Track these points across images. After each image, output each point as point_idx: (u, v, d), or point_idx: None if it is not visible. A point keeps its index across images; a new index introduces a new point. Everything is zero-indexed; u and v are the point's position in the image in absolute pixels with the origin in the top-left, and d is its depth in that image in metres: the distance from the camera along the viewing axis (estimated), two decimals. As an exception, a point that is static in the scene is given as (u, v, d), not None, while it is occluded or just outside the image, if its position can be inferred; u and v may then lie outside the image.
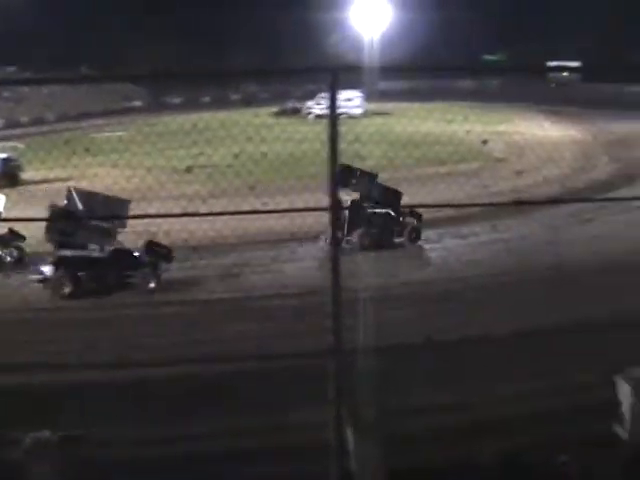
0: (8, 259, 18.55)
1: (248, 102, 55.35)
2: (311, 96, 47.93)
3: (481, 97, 44.44)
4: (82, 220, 17.31)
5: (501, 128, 17.97)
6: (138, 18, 66.29)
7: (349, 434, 5.65)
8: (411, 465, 6.25)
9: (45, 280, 16.93)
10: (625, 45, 69.78)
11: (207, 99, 60.43)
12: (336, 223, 4.95)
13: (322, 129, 4.95)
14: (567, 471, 6.12)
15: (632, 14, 67.45)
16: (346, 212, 17.94)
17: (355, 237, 18.87)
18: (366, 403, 6.07)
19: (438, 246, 17.92)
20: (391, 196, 19.39)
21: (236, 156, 27.02)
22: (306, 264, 16.51)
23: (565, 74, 66.88)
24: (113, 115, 52.59)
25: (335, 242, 4.91)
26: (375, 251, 18.08)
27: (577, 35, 72.78)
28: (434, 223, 18.64)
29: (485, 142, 20.15)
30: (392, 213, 19.22)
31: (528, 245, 16.12)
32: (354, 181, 18.48)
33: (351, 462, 5.67)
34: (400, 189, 16.87)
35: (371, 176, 19.30)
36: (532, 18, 76.32)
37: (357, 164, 14.01)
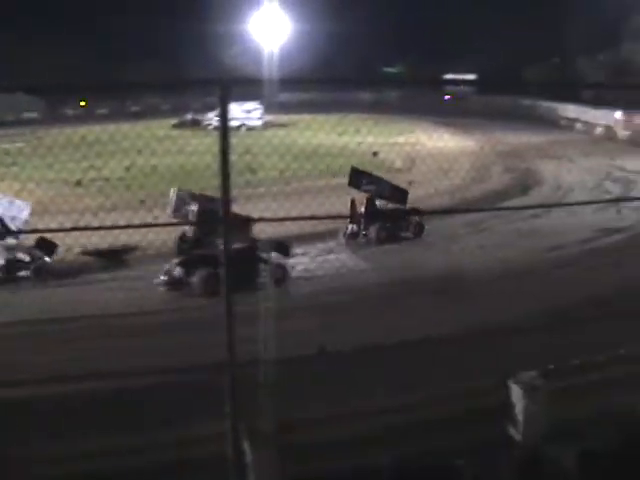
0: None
1: (138, 114, 54.28)
2: (211, 108, 47.81)
3: (380, 109, 45.15)
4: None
5: (400, 139, 18.26)
6: (36, 26, 64.70)
7: (246, 447, 5.64)
8: (309, 475, 6.24)
9: (174, 282, 16.41)
10: (520, 59, 72.09)
11: (104, 111, 59.40)
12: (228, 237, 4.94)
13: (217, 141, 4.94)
14: (463, 473, 6.24)
15: (525, 29, 69.67)
16: (362, 208, 19.64)
17: (372, 231, 19.92)
18: (264, 415, 6.05)
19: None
20: (399, 194, 20.54)
21: (127, 169, 26.58)
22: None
23: (462, 87, 68.53)
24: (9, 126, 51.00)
25: (227, 254, 4.89)
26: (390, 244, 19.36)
27: (474, 49, 74.67)
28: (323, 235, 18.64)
29: (375, 154, 20.40)
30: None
31: (420, 255, 16.35)
32: (364, 181, 19.73)
33: (249, 475, 5.66)
34: (290, 201, 16.59)
35: (379, 177, 20.41)
36: (431, 31, 77.86)
37: (248, 177, 14.00)
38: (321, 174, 15.01)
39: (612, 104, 54.52)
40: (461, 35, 73.91)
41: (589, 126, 56.05)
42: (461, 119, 44.04)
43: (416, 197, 20.15)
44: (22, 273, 17.39)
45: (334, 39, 68.94)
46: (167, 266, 16.53)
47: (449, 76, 71.40)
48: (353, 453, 6.40)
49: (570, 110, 61.49)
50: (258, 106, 50.93)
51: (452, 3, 73.78)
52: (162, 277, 16.43)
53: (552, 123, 57.57)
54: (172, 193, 17.04)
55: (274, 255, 15.68)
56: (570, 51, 65.93)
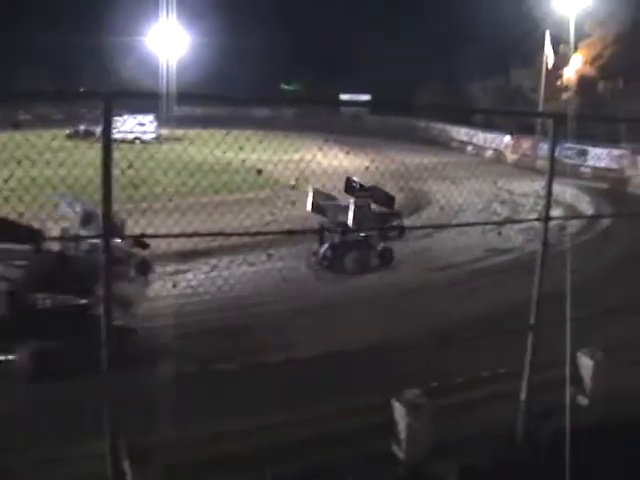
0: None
1: (17, 125, 52.28)
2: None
3: (276, 125, 45.32)
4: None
5: (296, 157, 18.30)
6: None
7: (126, 466, 5.54)
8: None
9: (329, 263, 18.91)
10: (413, 82, 73.48)
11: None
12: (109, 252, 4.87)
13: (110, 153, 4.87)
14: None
15: (420, 53, 71.14)
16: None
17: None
18: (144, 433, 5.96)
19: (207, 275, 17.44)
20: (388, 199, 21.01)
21: (5, 181, 25.49)
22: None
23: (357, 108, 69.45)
24: None
25: (109, 272, 4.83)
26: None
27: (370, 69, 75.77)
28: (209, 253, 18.50)
29: (260, 172, 20.43)
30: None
31: (303, 274, 16.38)
32: (358, 189, 20.08)
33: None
34: (185, 218, 16.37)
35: (373, 186, 20.74)
36: (328, 50, 78.67)
37: (130, 191, 13.80)
38: (204, 191, 14.87)
39: (501, 128, 56.32)
40: (358, 55, 75.00)
41: (480, 149, 57.74)
42: (356, 138, 44.59)
43: (308, 214, 20.20)
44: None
45: (232, 54, 69.02)
46: (318, 250, 19.03)
47: (345, 96, 72.43)
48: (236, 472, 6.37)
49: (462, 133, 63.27)
50: (153, 120, 50.42)
51: (351, 23, 74.80)
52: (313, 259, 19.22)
53: (445, 145, 58.96)
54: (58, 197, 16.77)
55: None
56: (462, 75, 67.55)
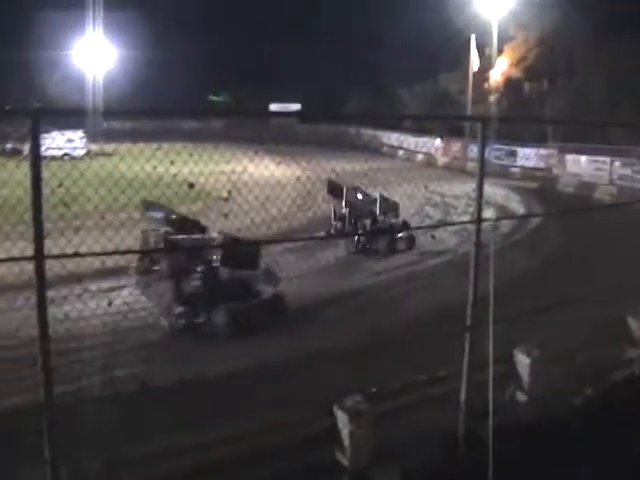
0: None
1: None
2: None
3: (206, 137, 45.06)
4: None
5: (227, 168, 18.13)
6: None
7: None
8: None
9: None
10: (343, 88, 74.13)
11: None
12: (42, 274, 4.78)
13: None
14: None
15: (347, 59, 71.79)
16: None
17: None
18: (88, 457, 5.85)
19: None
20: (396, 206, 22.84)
21: None
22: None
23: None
24: None
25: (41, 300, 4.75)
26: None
27: (299, 78, 76.04)
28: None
29: (192, 186, 20.29)
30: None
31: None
32: (362, 197, 22.61)
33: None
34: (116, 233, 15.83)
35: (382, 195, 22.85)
36: (257, 60, 78.75)
37: (62, 209, 13.50)
38: (137, 206, 14.67)
39: (431, 132, 57.03)
40: (286, 64, 75.19)
41: (410, 153, 58.33)
42: (287, 147, 44.56)
43: (240, 226, 20.17)
44: None
45: (159, 66, 68.57)
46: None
47: (274, 105, 72.54)
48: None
49: (393, 138, 63.86)
50: (82, 135, 49.67)
51: (278, 33, 74.96)
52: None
53: (376, 151, 59.37)
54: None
55: None
56: (390, 81, 68.23)
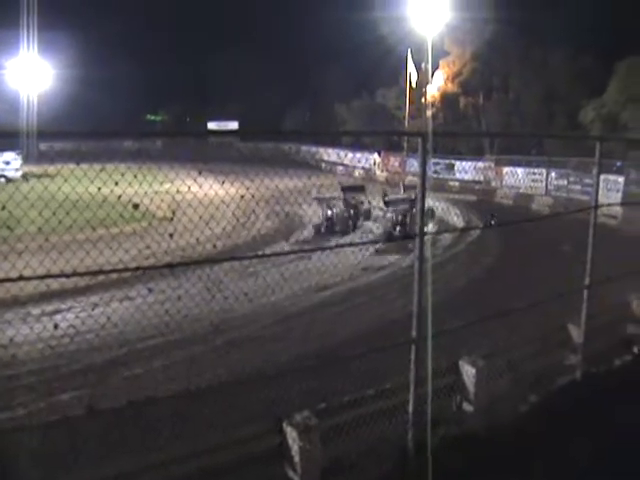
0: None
1: None
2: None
3: (145, 157, 44.84)
4: None
5: (166, 188, 18.09)
6: None
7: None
8: None
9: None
10: (280, 105, 74.45)
11: None
12: None
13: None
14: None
15: (284, 78, 72.16)
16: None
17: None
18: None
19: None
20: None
21: None
22: None
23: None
24: None
25: None
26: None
27: (237, 97, 76.22)
28: (86, 289, 18.13)
29: (136, 206, 20.16)
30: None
31: (183, 304, 16.24)
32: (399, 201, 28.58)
33: None
34: (60, 255, 15.52)
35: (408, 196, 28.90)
36: (195, 80, 78.78)
37: (5, 232, 13.28)
38: (81, 228, 14.55)
39: (369, 147, 57.55)
40: (224, 83, 75.31)
41: (349, 168, 58.70)
42: (228, 166, 44.45)
43: (185, 244, 20.10)
44: None
45: (96, 85, 67.98)
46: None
47: (212, 124, 72.47)
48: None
49: (331, 154, 64.21)
50: (17, 156, 48.73)
51: (215, 52, 75.01)
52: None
53: (315, 167, 59.61)
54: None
55: None
56: (328, 97, 68.61)
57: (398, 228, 27.23)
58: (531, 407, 8.61)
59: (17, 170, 47.42)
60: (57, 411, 9.69)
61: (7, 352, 7.69)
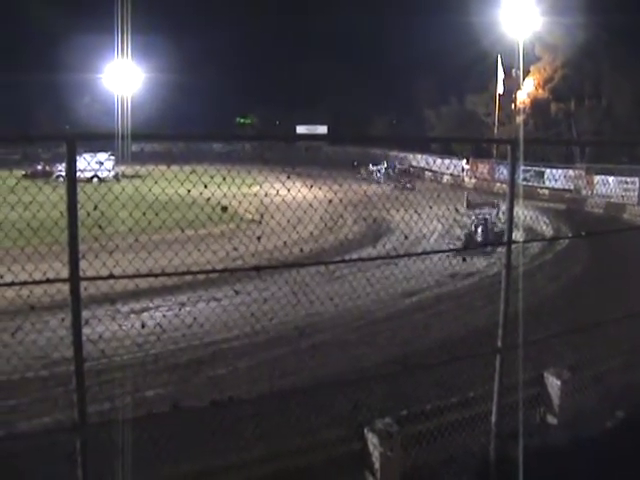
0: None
1: None
2: (62, 158, 46.25)
3: (234, 159, 45.36)
4: None
5: (257, 190, 18.20)
6: None
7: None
8: None
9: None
10: (369, 111, 74.34)
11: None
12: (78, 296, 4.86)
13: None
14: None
15: (374, 83, 71.99)
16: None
17: None
18: None
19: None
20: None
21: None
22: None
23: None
24: None
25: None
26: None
27: (326, 100, 76.40)
28: (174, 289, 18.41)
29: (225, 209, 20.37)
30: None
31: (269, 307, 16.33)
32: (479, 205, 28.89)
33: None
34: (149, 255, 15.85)
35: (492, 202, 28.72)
36: (285, 83, 79.27)
37: (96, 231, 13.70)
38: (170, 229, 14.84)
39: (458, 153, 56.99)
40: (314, 87, 75.61)
41: (438, 175, 58.25)
42: (315, 169, 44.72)
43: (272, 247, 20.25)
44: None
45: (187, 89, 69.24)
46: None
47: (301, 127, 72.82)
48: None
49: (420, 160, 63.82)
50: (111, 157, 49.92)
51: (307, 56, 75.43)
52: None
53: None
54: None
55: None
56: (417, 103, 68.35)
57: (480, 232, 27.08)
58: (618, 422, 8.40)
59: (110, 171, 48.54)
60: (142, 407, 9.89)
61: (96, 347, 7.87)
